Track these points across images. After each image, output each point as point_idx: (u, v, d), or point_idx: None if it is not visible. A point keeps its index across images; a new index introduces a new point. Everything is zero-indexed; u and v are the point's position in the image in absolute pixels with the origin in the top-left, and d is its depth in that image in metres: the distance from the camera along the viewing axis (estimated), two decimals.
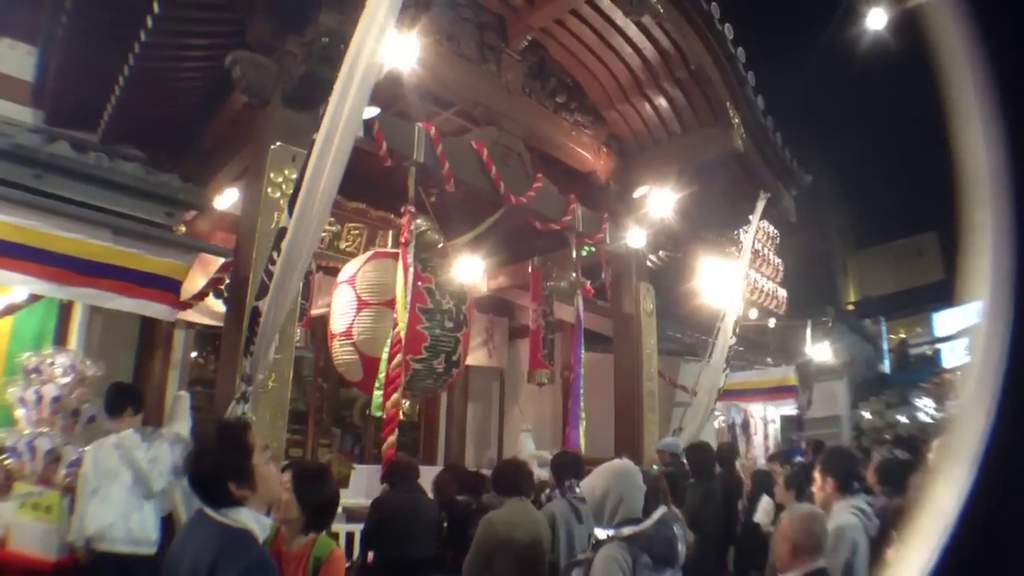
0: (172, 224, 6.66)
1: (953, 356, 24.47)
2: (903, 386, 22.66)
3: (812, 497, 4.49)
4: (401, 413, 6.80)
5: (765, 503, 6.72)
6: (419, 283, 7.62)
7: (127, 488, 5.06)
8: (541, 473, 6.84)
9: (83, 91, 7.63)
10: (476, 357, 11.75)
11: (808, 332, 16.33)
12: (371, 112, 6.44)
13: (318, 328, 9.41)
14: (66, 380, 5.68)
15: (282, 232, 4.92)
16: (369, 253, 8.79)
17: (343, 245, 9.95)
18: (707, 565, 6.37)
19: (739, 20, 8.33)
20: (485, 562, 4.50)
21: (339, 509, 6.50)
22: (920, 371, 24.83)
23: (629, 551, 3.14)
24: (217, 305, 7.85)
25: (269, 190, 5.99)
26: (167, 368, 8.61)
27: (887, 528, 4.02)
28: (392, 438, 6.50)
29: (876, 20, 9.24)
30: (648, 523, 3.24)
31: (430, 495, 5.97)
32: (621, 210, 9.57)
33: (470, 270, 9.20)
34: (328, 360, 9.22)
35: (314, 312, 8.94)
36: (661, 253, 11.75)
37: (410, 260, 6.88)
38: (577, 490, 4.86)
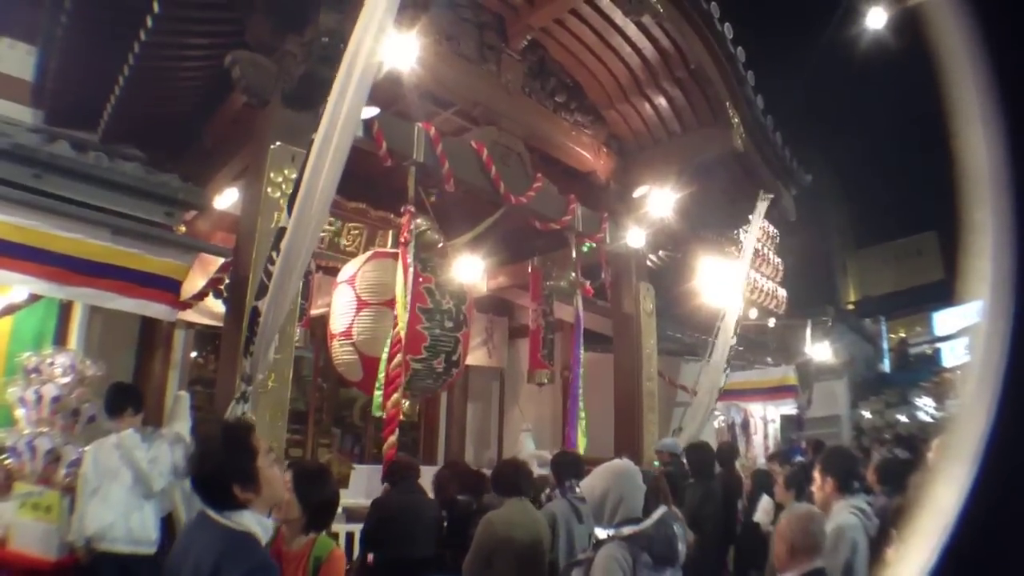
0: (172, 224, 6.65)
1: (953, 355, 24.49)
2: (903, 385, 22.68)
3: (812, 497, 4.49)
4: (401, 413, 6.81)
5: (765, 503, 6.73)
6: (419, 283, 7.62)
7: (127, 488, 5.07)
8: (542, 472, 6.83)
9: (83, 91, 7.63)
10: (476, 357, 11.76)
11: (808, 332, 16.33)
12: (371, 112, 6.45)
13: (318, 328, 9.41)
14: (66, 380, 5.68)
15: (281, 232, 4.92)
16: (369, 253, 8.79)
17: (343, 245, 9.94)
18: (707, 565, 6.37)
19: (739, 20, 8.33)
20: (485, 562, 4.50)
21: (339, 509, 6.52)
22: (920, 370, 24.84)
23: (629, 551, 3.14)
24: (217, 305, 7.85)
25: (269, 190, 5.99)
26: (167, 368, 8.62)
27: (887, 528, 4.02)
28: (393, 438, 6.50)
29: (876, 20, 9.24)
30: (648, 523, 3.24)
31: (430, 494, 5.97)
32: (621, 210, 9.57)
33: (470, 270, 9.20)
34: (328, 360, 9.22)
35: (314, 312, 8.94)
36: (661, 253, 11.75)
37: (410, 260, 6.88)
38: (577, 490, 4.86)
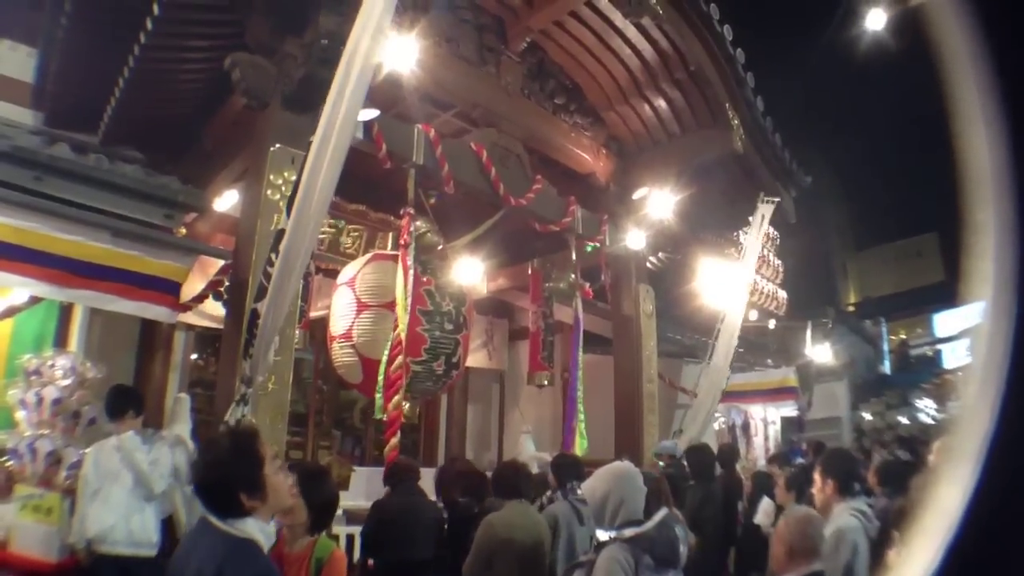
0: (172, 226, 6.65)
1: (954, 357, 24.49)
2: (904, 387, 22.69)
3: (812, 499, 4.48)
4: (402, 415, 6.81)
5: (765, 504, 6.72)
6: (419, 285, 7.61)
7: (128, 490, 5.07)
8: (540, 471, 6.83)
9: (83, 93, 7.64)
10: (476, 359, 11.76)
11: (808, 333, 16.33)
12: (370, 114, 6.45)
13: (318, 330, 9.41)
14: (66, 382, 5.68)
15: (280, 234, 4.93)
16: (369, 255, 8.78)
17: (343, 247, 9.94)
18: (708, 567, 6.36)
19: (738, 21, 8.33)
20: (485, 563, 4.49)
21: (340, 511, 6.52)
22: (921, 372, 24.84)
23: (631, 552, 3.14)
24: (217, 307, 7.86)
25: (268, 192, 5.99)
26: (167, 370, 8.61)
27: (888, 529, 4.01)
28: (395, 440, 6.50)
29: (875, 20, 9.25)
30: (650, 525, 3.24)
31: (431, 496, 5.97)
32: (621, 211, 9.57)
33: (470, 272, 9.20)
34: (328, 362, 9.22)
35: (313, 314, 8.94)
36: (661, 254, 11.75)
37: (410, 262, 6.88)
38: (579, 492, 4.86)
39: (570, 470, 5.47)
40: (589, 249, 9.29)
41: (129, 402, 5.44)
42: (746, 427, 14.29)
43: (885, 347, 28.47)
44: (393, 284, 7.04)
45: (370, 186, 8.86)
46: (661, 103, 8.98)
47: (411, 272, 6.90)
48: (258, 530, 2.34)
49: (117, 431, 5.27)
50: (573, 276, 9.22)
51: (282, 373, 5.83)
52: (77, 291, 5.81)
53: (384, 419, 6.75)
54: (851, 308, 34.96)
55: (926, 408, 21.13)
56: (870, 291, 38.46)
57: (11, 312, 6.46)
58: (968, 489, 0.63)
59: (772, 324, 17.80)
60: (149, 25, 5.95)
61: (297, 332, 6.57)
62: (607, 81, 8.96)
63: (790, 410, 14.72)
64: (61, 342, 6.80)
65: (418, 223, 7.28)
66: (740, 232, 11.63)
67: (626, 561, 3.11)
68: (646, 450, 8.94)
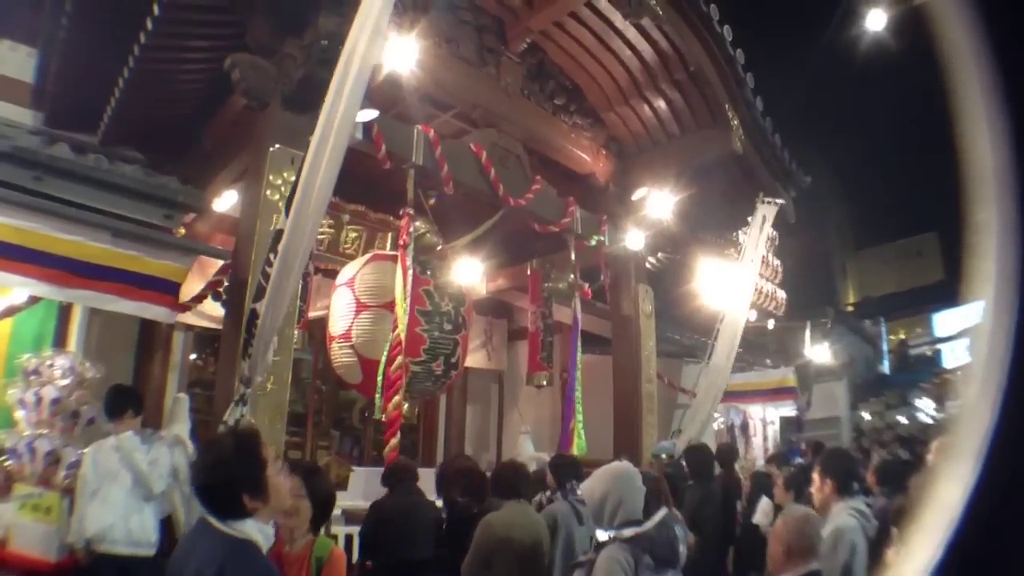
0: (171, 226, 6.65)
1: (953, 357, 24.46)
2: (903, 387, 22.66)
3: (811, 498, 4.49)
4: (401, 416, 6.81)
5: (764, 504, 6.73)
6: (418, 285, 7.61)
7: (127, 490, 5.08)
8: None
9: (83, 93, 7.64)
10: (475, 359, 11.76)
11: (807, 333, 16.31)
12: (370, 115, 6.46)
13: (317, 330, 9.40)
14: (65, 382, 5.68)
15: (279, 234, 4.93)
16: (368, 255, 8.77)
17: (342, 247, 9.94)
18: (707, 566, 6.36)
19: (738, 21, 8.33)
20: (484, 563, 4.49)
21: (339, 511, 6.52)
22: (920, 372, 24.81)
23: (631, 552, 3.14)
24: (216, 308, 7.85)
25: (268, 192, 6.00)
26: (166, 370, 8.62)
27: (886, 529, 4.02)
28: (395, 441, 6.50)
29: (875, 21, 9.25)
30: (650, 524, 3.24)
31: (430, 496, 5.96)
32: (620, 212, 9.57)
33: (469, 272, 9.20)
34: (327, 362, 9.22)
35: (312, 314, 8.94)
36: (660, 255, 11.74)
37: (409, 262, 6.88)
38: (578, 492, 4.86)
39: (569, 470, 5.47)
40: (594, 242, 9.27)
41: (128, 402, 5.45)
42: (745, 427, 14.30)
43: (884, 347, 28.43)
44: (392, 284, 7.04)
45: (369, 186, 8.86)
46: (661, 104, 8.99)
47: (410, 272, 6.91)
48: (257, 531, 2.34)
49: (116, 431, 5.27)
50: (572, 276, 9.23)
51: (281, 373, 5.84)
52: (76, 291, 5.81)
53: (383, 419, 6.74)
54: (850, 308, 34.92)
55: (925, 408, 21.12)
56: (869, 291, 38.40)
57: (10, 312, 6.45)
58: (968, 486, 0.63)
59: (771, 324, 17.78)
60: (149, 25, 5.95)
61: (296, 332, 6.56)
62: (607, 82, 8.97)
63: (789, 410, 14.74)
64: (60, 342, 6.79)
65: (417, 223, 7.27)
66: (740, 232, 11.64)
67: (626, 561, 3.11)
68: (645, 450, 8.95)
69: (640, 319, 9.71)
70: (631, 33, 8.21)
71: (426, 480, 5.98)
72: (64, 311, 6.92)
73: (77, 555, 5.04)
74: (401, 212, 7.04)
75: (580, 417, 8.70)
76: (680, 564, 3.30)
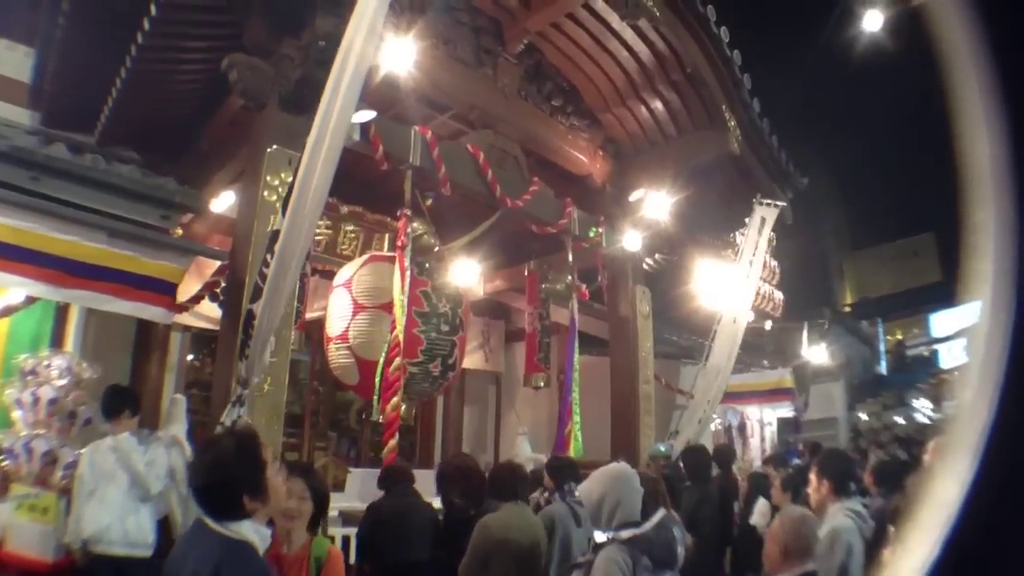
0: (168, 227, 6.65)
1: (950, 357, 24.48)
2: (900, 387, 22.66)
3: (808, 499, 4.49)
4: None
5: (761, 505, 6.74)
6: (415, 287, 7.60)
7: (124, 491, 5.08)
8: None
9: (80, 93, 7.64)
10: (472, 361, 11.75)
11: (805, 334, 16.31)
12: (367, 116, 6.46)
13: (314, 331, 9.39)
14: (62, 382, 5.69)
15: (276, 235, 4.92)
16: (365, 256, 8.76)
17: (339, 248, 9.93)
18: (704, 567, 6.37)
19: (735, 22, 8.33)
20: (481, 565, 4.49)
21: (336, 512, 6.52)
22: (917, 372, 24.81)
23: (629, 554, 3.14)
24: (213, 308, 7.84)
25: (265, 193, 5.99)
26: (163, 371, 8.62)
27: (883, 529, 4.02)
28: (393, 442, 6.51)
29: (872, 21, 9.26)
30: (648, 526, 3.25)
31: (428, 497, 5.96)
32: (617, 213, 9.58)
33: (466, 273, 9.19)
34: (324, 364, 9.21)
35: (310, 315, 8.92)
36: (657, 256, 11.74)
37: (407, 264, 6.88)
38: (576, 493, 4.86)
39: (566, 472, 5.47)
40: (592, 234, 9.26)
41: (125, 402, 5.45)
42: (742, 428, 14.33)
43: (882, 347, 28.47)
44: (389, 286, 7.03)
45: (367, 188, 8.86)
46: (658, 105, 8.99)
47: (408, 273, 6.91)
48: (253, 531, 2.34)
49: (113, 431, 5.27)
50: (570, 277, 9.24)
51: (278, 374, 5.83)
52: (73, 291, 5.81)
53: (381, 421, 6.74)
54: (847, 309, 34.89)
55: (922, 408, 21.13)
56: (866, 291, 38.36)
57: (7, 312, 6.45)
58: (966, 484, 0.63)
59: (768, 325, 17.80)
60: (146, 26, 5.95)
61: (293, 333, 6.55)
62: (604, 83, 8.97)
63: (786, 411, 14.77)
64: (57, 342, 6.80)
65: (415, 224, 7.26)
66: (737, 234, 11.65)
67: (624, 562, 3.11)
68: (642, 451, 8.94)
69: (637, 320, 9.71)
70: (628, 34, 8.21)
71: (423, 482, 5.97)
72: (61, 311, 6.92)
73: (74, 555, 5.05)
74: (398, 213, 7.03)
75: (578, 419, 8.69)
76: (678, 565, 3.30)
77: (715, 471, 7.62)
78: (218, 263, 7.38)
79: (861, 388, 22.11)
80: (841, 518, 3.93)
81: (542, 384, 10.08)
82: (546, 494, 5.90)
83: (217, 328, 7.04)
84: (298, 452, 10.53)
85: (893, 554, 0.75)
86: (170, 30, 6.19)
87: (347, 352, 8.06)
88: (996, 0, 0.68)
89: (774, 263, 17.08)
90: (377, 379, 6.91)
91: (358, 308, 7.99)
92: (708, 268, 11.89)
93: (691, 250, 12.36)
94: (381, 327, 7.43)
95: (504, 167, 8.09)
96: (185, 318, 8.19)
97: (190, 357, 9.71)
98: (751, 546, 6.38)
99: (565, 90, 9.16)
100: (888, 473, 5.66)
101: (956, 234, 0.72)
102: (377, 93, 6.33)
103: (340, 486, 7.76)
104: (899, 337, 31.19)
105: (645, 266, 10.69)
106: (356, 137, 6.40)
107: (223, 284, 7.11)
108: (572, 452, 8.25)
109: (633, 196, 9.52)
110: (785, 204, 9.71)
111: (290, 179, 5.34)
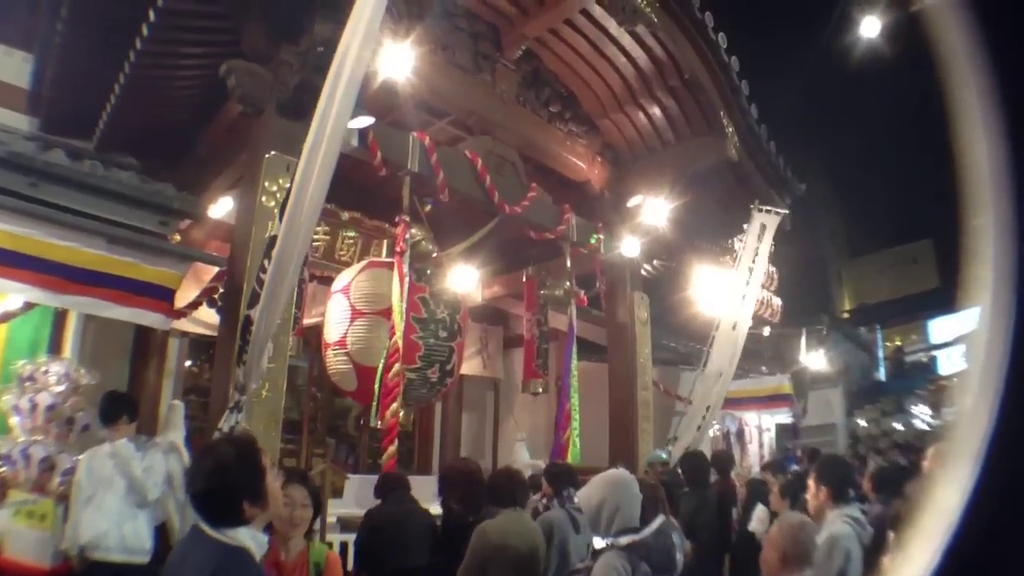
0: (167, 233, 6.66)
1: (949, 363, 24.52)
2: (899, 394, 22.65)
3: (807, 506, 4.48)
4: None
5: (760, 512, 6.72)
6: (413, 293, 7.60)
7: (121, 497, 5.07)
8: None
9: (79, 99, 7.64)
10: (471, 367, 11.75)
11: (803, 340, 16.30)
12: (365, 122, 6.45)
13: (312, 337, 9.37)
14: (60, 388, 5.68)
15: (273, 240, 4.92)
16: (364, 263, 8.75)
17: (338, 254, 9.92)
18: (703, 574, 6.35)
19: (733, 27, 8.34)
20: (480, 571, 4.48)
21: (334, 519, 6.51)
22: (916, 378, 24.83)
23: (628, 560, 3.14)
24: (211, 314, 7.83)
25: (263, 199, 5.99)
26: (161, 377, 8.61)
27: (882, 536, 4.02)
28: (392, 448, 6.51)
29: (870, 27, 9.28)
30: (647, 532, 3.25)
31: (426, 503, 5.95)
32: (615, 219, 9.58)
33: (464, 279, 9.19)
34: (322, 370, 9.19)
35: (307, 321, 8.90)
36: (655, 262, 11.77)
37: (405, 269, 6.88)
38: (575, 499, 4.85)
39: (564, 478, 5.46)
40: (591, 240, 9.26)
41: (123, 408, 5.44)
42: (741, 434, 14.30)
43: (880, 354, 28.49)
44: (387, 292, 7.03)
45: (365, 193, 8.86)
46: (656, 111, 9.00)
47: (406, 280, 6.91)
48: (250, 538, 2.33)
49: (111, 437, 5.27)
50: (568, 283, 9.23)
51: (276, 380, 5.82)
52: (71, 297, 5.81)
53: (379, 427, 6.73)
54: (846, 315, 34.98)
55: (921, 414, 21.12)
56: (865, 298, 38.42)
57: (5, 318, 6.44)
58: (966, 490, 0.63)
59: (767, 331, 17.81)
60: (145, 32, 5.96)
61: (291, 339, 6.54)
62: (602, 89, 8.97)
63: (785, 417, 14.74)
64: (55, 348, 6.79)
65: (413, 231, 7.26)
66: (735, 240, 11.67)
67: (623, 568, 3.11)
68: (641, 457, 8.93)
69: (636, 326, 9.71)
70: (626, 40, 8.21)
71: (420, 489, 5.97)
72: (59, 317, 6.91)
73: (71, 562, 5.04)
74: (397, 219, 7.04)
75: (576, 425, 8.68)
76: (677, 571, 3.31)
77: (714, 477, 7.61)
78: (216, 269, 7.37)
79: (860, 394, 22.10)
80: (839, 524, 3.92)
81: (540, 390, 10.07)
82: (544, 500, 5.90)
83: (215, 334, 7.03)
84: (296, 458, 10.52)
85: (893, 561, 0.75)
86: (169, 36, 6.20)
87: (345, 358, 8.04)
88: (994, 2, 0.68)
89: (772, 269, 17.09)
90: (376, 385, 6.91)
91: (356, 314, 7.98)
92: (706, 274, 11.91)
93: (689, 256, 12.39)
94: (379, 333, 7.42)
95: (502, 173, 8.09)
96: (183, 324, 8.16)
97: (188, 363, 9.70)
98: (749, 552, 6.34)
99: (563, 96, 9.17)
100: (887, 479, 5.66)
101: (955, 240, 0.72)
102: (375, 99, 6.33)
103: (338, 493, 7.74)
104: (898, 343, 31.22)
105: (643, 272, 10.69)
106: (354, 143, 6.39)
107: (221, 290, 7.09)
108: (570, 458, 8.24)
109: (631, 202, 9.52)
110: (786, 212, 9.71)
111: (288, 185, 5.34)
